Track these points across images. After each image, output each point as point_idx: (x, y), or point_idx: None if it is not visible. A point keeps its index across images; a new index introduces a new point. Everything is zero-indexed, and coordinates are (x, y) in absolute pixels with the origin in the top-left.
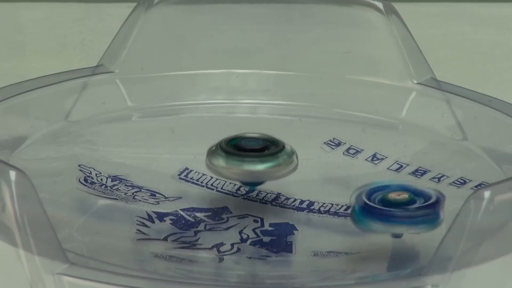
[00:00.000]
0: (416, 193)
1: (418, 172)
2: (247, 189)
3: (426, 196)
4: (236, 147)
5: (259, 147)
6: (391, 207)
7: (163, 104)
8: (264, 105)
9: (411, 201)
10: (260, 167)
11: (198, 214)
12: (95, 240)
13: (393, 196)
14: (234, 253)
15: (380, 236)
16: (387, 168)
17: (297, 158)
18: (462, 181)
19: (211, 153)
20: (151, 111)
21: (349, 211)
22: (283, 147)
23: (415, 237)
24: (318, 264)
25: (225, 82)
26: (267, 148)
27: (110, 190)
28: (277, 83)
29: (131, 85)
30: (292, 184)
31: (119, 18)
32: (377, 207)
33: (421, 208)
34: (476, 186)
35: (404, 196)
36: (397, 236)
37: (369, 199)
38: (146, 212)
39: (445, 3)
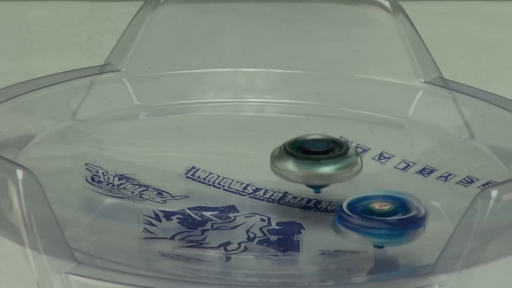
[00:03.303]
0: (400, 205)
1: (425, 171)
2: (254, 187)
3: (409, 208)
4: (301, 150)
5: (324, 149)
6: (372, 217)
7: (170, 102)
8: (271, 103)
9: (393, 212)
10: (328, 169)
11: (205, 213)
12: (102, 239)
13: (375, 206)
14: (241, 252)
15: None
16: (394, 167)
17: (361, 159)
18: (469, 180)
19: (277, 156)
20: (158, 110)
21: None
22: (348, 148)
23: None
24: (325, 263)
25: (232, 80)
26: (331, 150)
27: (117, 189)
28: (284, 81)
29: (138, 83)
30: None
31: (126, 16)
32: (355, 217)
33: (401, 221)
34: (483, 185)
35: (387, 207)
36: (379, 246)
37: (350, 209)
38: (153, 211)
39: (452, 2)
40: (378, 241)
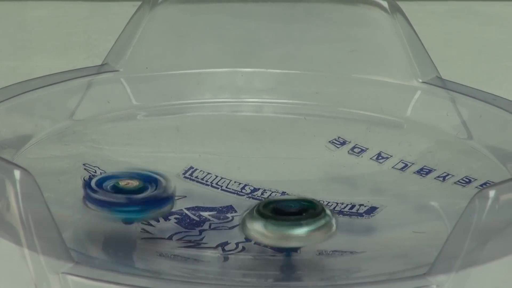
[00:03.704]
0: (148, 183)
1: (423, 171)
2: (252, 188)
3: (156, 187)
4: (274, 210)
5: (297, 210)
6: (120, 194)
7: (168, 103)
8: (269, 103)
9: (142, 189)
10: (299, 231)
11: (202, 213)
12: (100, 239)
13: (123, 183)
14: (239, 252)
15: (386, 235)
16: (392, 167)
17: (336, 221)
18: (467, 180)
19: (247, 216)
20: (156, 110)
21: (354, 210)
22: (322, 210)
23: (420, 235)
24: (323, 264)
25: (230, 80)
26: (305, 211)
27: None
28: (282, 81)
29: (136, 83)
30: (297, 183)
31: (124, 16)
32: (103, 193)
33: (146, 198)
34: (481, 185)
35: (134, 183)
36: (127, 222)
37: (99, 186)
38: None
39: (450, 2)
40: (125, 217)
